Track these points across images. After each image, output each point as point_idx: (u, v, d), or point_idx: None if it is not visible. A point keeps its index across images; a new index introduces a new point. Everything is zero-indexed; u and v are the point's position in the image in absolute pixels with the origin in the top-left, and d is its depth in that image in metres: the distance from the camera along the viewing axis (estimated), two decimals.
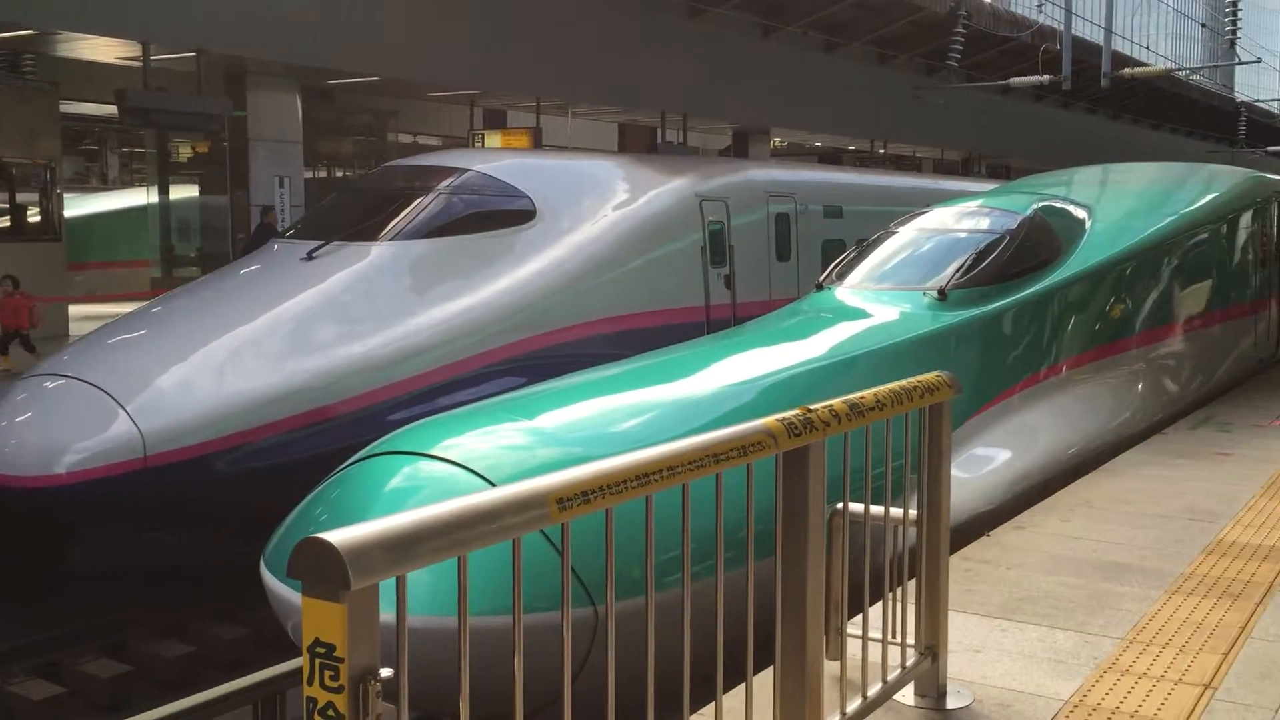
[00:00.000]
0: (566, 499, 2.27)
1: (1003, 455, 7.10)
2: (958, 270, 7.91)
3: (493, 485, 4.39)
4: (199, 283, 10.31)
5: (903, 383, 3.69)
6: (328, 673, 1.82)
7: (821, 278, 8.67)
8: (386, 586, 1.91)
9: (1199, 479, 7.23)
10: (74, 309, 14.16)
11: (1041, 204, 9.34)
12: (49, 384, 7.90)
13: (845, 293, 8.16)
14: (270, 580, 5.11)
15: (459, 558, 2.09)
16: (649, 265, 11.05)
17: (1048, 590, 5.10)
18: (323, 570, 1.81)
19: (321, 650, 1.83)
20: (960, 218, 9.06)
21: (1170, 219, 10.04)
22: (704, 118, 19.43)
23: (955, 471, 6.35)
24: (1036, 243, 8.56)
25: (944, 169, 27.83)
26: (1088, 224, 9.40)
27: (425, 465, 5.09)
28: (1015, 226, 8.55)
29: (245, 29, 12.49)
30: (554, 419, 5.65)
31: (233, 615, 8.31)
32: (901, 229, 9.04)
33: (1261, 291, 11.96)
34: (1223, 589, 5.12)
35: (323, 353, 8.30)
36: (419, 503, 4.29)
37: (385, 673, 1.86)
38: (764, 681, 3.31)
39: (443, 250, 9.55)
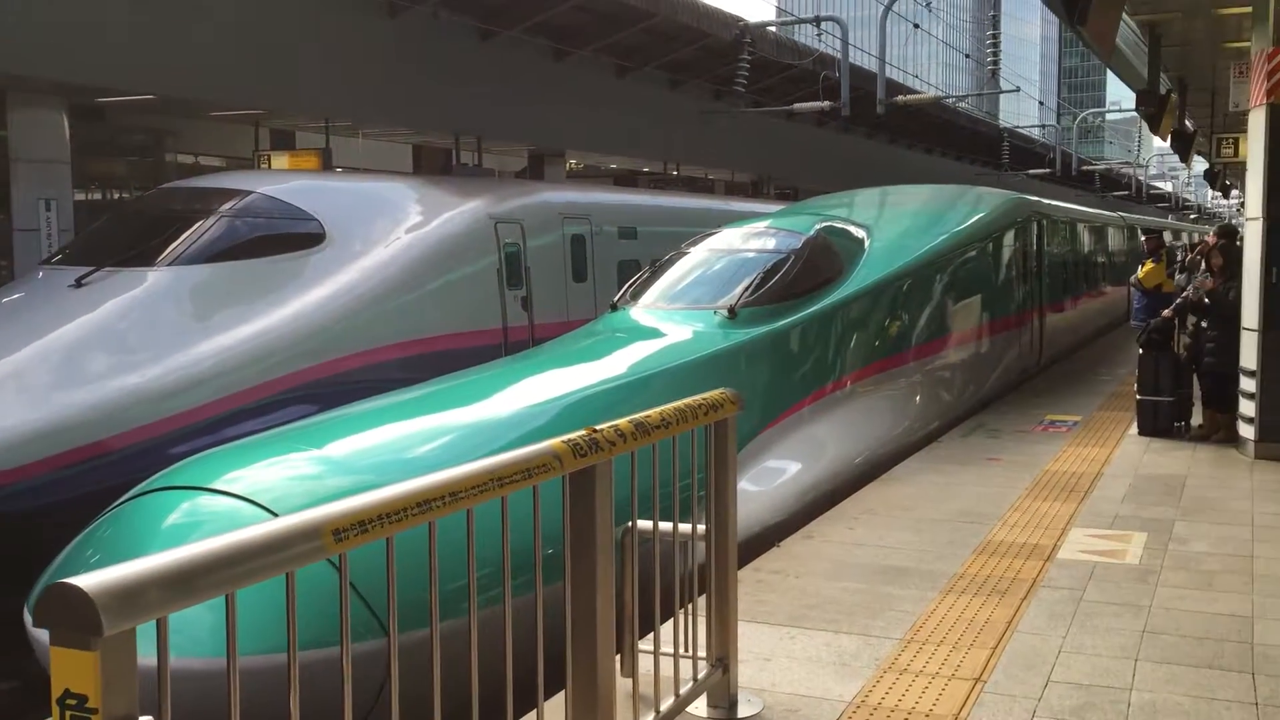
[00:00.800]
0: (343, 530, 2.22)
1: (793, 467, 7.34)
2: (746, 289, 8.17)
3: (268, 510, 4.29)
4: None
5: (688, 400, 3.77)
6: None
7: (616, 298, 8.78)
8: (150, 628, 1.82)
9: (971, 483, 7.67)
10: None
11: (824, 225, 9.73)
12: None
13: (639, 313, 8.31)
14: (33, 630, 4.75)
15: (226, 596, 2.01)
16: (444, 288, 10.93)
17: (833, 596, 5.30)
18: (72, 617, 1.71)
19: (73, 702, 1.72)
20: (748, 238, 9.35)
21: (942, 238, 10.62)
22: (499, 140, 19.40)
23: (747, 485, 6.55)
24: (820, 262, 8.91)
25: (735, 190, 28.67)
26: (867, 243, 9.84)
27: (205, 500, 4.84)
28: (799, 246, 8.88)
29: (3, 43, 11.72)
30: (343, 447, 5.49)
31: None
32: (692, 249, 9.26)
33: (1025, 305, 12.79)
34: (991, 587, 5.44)
35: (95, 384, 7.83)
36: (197, 540, 4.13)
37: None
38: (559, 703, 3.32)
39: (225, 275, 9.17)
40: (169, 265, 9.08)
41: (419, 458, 5.51)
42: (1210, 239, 10.56)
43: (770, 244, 9.06)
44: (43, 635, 4.60)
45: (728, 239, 9.40)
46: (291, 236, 9.94)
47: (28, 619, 4.85)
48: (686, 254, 9.20)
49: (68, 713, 1.72)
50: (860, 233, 10.07)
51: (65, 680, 1.72)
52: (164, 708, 1.87)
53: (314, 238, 10.02)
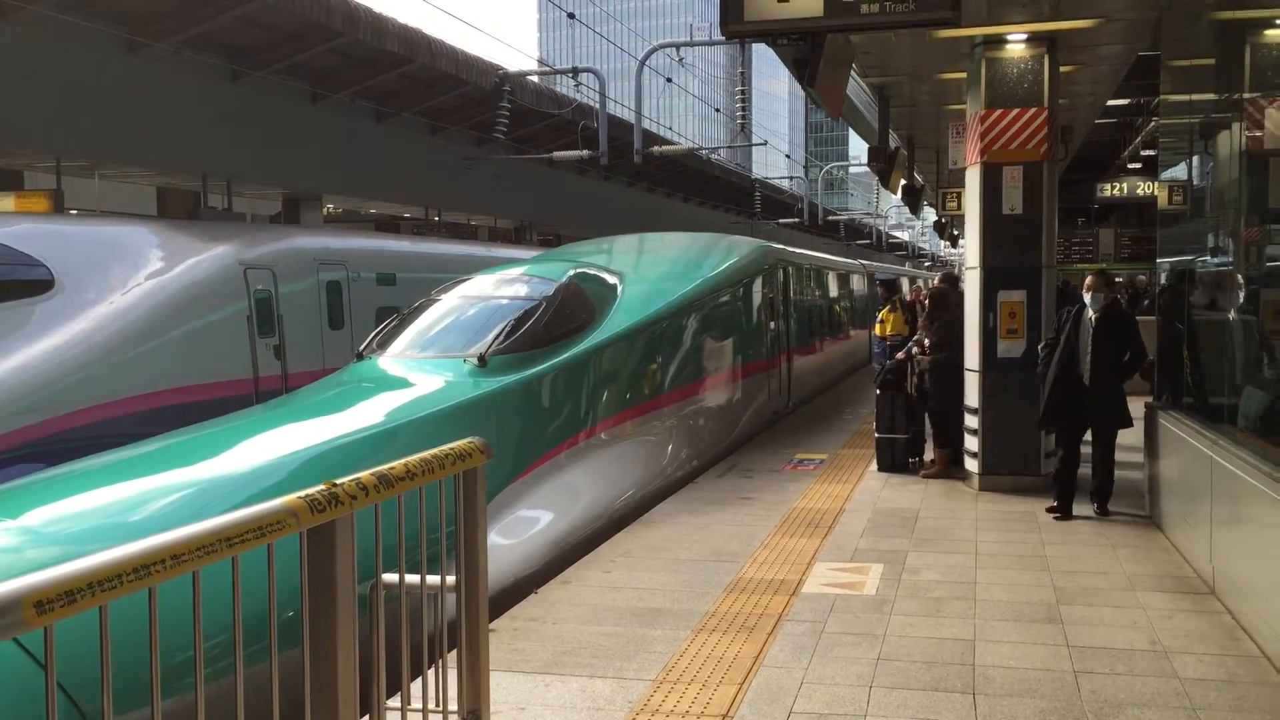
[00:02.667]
0: (47, 601, 2.08)
1: (545, 517, 7.30)
2: (497, 336, 8.09)
3: None
4: None
5: (434, 451, 3.75)
6: None
7: (361, 347, 8.55)
8: None
9: (725, 523, 7.92)
10: None
11: (577, 270, 9.80)
12: None
13: (386, 361, 8.10)
14: None
15: None
16: (188, 336, 10.45)
17: (588, 641, 5.34)
18: None
19: None
20: (500, 285, 9.28)
21: (693, 284, 10.91)
22: (251, 183, 18.74)
23: (497, 538, 6.49)
24: (572, 308, 8.95)
25: (499, 236, 28.73)
26: (620, 289, 9.99)
27: None
28: (552, 293, 8.89)
29: None
30: (44, 514, 5.02)
31: None
32: (443, 296, 9.13)
33: (774, 349, 13.34)
34: (741, 623, 5.62)
35: None
36: None
37: None
38: None
39: None
40: None
41: (135, 523, 5.06)
42: (935, 283, 11.39)
43: (523, 291, 9.03)
44: None
45: (480, 285, 9.31)
46: (15, 284, 9.29)
47: None
48: (437, 300, 9.05)
49: None
50: (614, 279, 10.19)
51: None
52: None
53: (41, 284, 9.40)
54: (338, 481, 3.16)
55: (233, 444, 6.31)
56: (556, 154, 23.63)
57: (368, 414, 7.07)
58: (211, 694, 2.69)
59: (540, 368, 8.04)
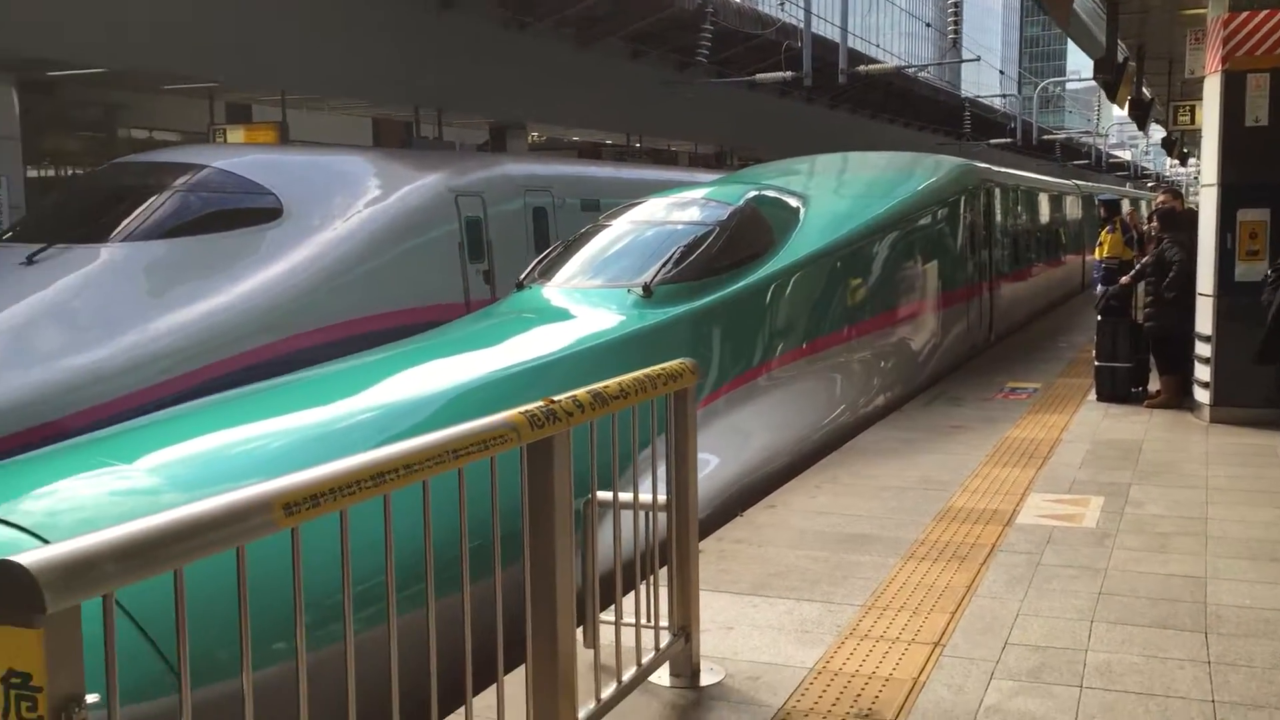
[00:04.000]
0: (295, 503, 2.19)
1: (711, 461, 6.63)
2: (664, 265, 7.48)
3: (45, 541, 3.64)
4: None
5: (646, 371, 3.77)
6: (24, 703, 1.69)
7: (522, 276, 8.06)
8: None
9: (933, 451, 7.72)
10: None
11: (755, 194, 9.08)
12: None
13: (548, 291, 7.62)
14: None
15: (175, 573, 1.98)
16: (404, 262, 10.85)
17: (795, 564, 5.33)
18: (14, 594, 1.68)
19: (16, 680, 1.69)
20: (671, 209, 8.63)
21: (884, 207, 10.02)
22: (459, 112, 19.23)
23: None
24: (748, 234, 8.28)
25: (699, 162, 28.62)
26: (803, 213, 9.23)
27: None
28: (726, 218, 8.22)
29: None
30: (161, 458, 4.68)
31: None
32: (612, 222, 8.57)
33: (974, 277, 12.29)
34: (952, 552, 5.49)
35: (47, 364, 7.72)
36: None
37: (91, 698, 1.75)
38: (519, 677, 3.31)
39: (180, 251, 9.05)
40: (122, 241, 8.95)
41: (281, 456, 4.72)
42: (1160, 198, 10.61)
43: (695, 215, 8.39)
44: None
45: (650, 211, 8.67)
46: (247, 211, 9.82)
47: None
48: (603, 227, 8.49)
49: (12, 692, 1.70)
50: (796, 202, 9.43)
51: (8, 660, 1.70)
52: (112, 685, 1.85)
53: (271, 212, 9.91)
54: (556, 399, 3.22)
55: (386, 376, 6.03)
56: (759, 76, 23.23)
57: (522, 348, 6.66)
58: (409, 623, 2.77)
59: (709, 299, 7.41)
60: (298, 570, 2.29)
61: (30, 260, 8.53)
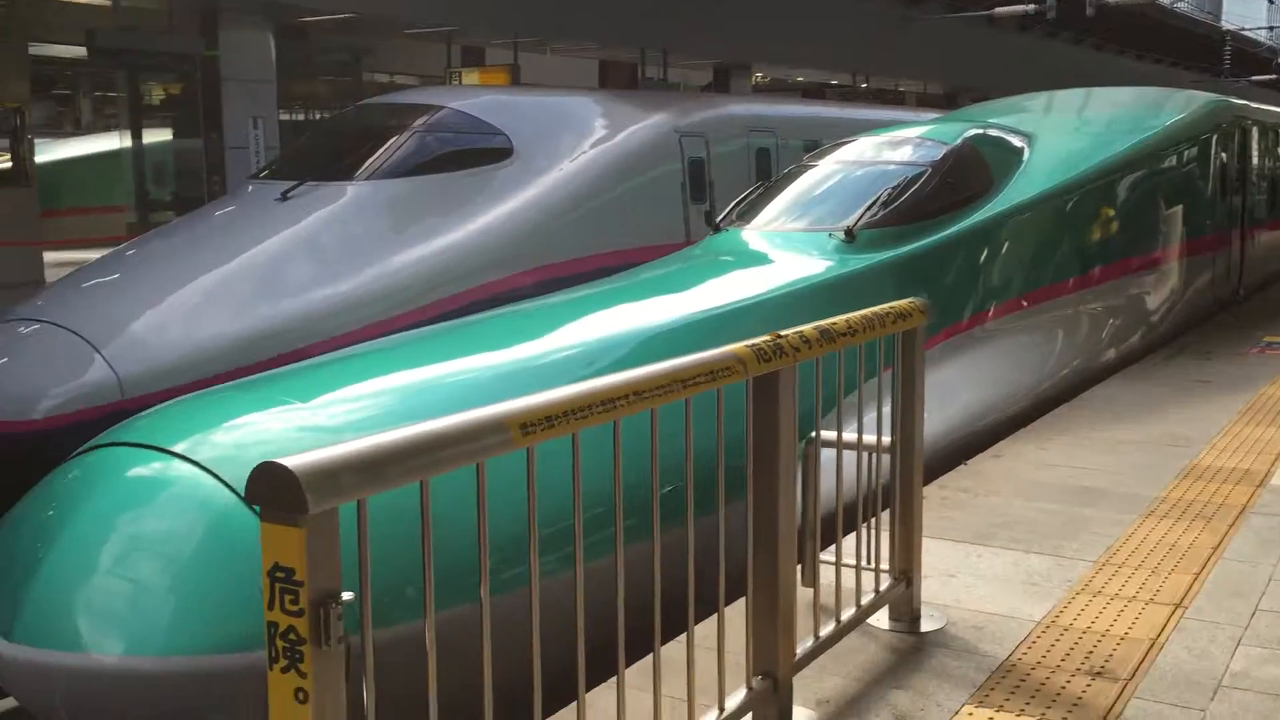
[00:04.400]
0: (531, 424, 2.26)
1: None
2: (869, 208, 7.02)
3: (230, 488, 3.75)
4: (173, 225, 10.20)
5: (873, 309, 3.69)
6: (287, 597, 1.82)
7: (719, 218, 7.75)
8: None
9: (1176, 406, 7.28)
10: (48, 255, 14.00)
11: (974, 133, 8.46)
12: (24, 329, 7.82)
13: (744, 234, 7.27)
14: None
15: (421, 483, 2.07)
16: (628, 202, 10.97)
17: (1023, 516, 5.14)
18: (280, 495, 1.80)
19: (281, 575, 1.82)
20: (881, 149, 8.12)
21: (1123, 146, 9.25)
22: (684, 54, 19.22)
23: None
24: (963, 176, 7.74)
25: (928, 103, 27.66)
26: (1027, 154, 8.56)
27: (153, 463, 4.03)
28: (939, 158, 7.68)
29: None
30: (340, 396, 4.61)
31: None
32: (817, 162, 8.13)
33: (1222, 226, 11.15)
34: (1196, 512, 5.17)
35: (298, 295, 8.22)
36: (139, 509, 3.87)
37: (347, 596, 1.86)
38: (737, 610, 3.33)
39: (418, 189, 9.44)
40: (367, 179, 9.40)
41: (450, 404, 4.79)
42: None
43: (906, 155, 7.84)
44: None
45: (858, 150, 8.17)
46: (481, 151, 10.13)
47: None
48: (808, 168, 8.04)
49: (276, 585, 1.83)
50: (1020, 142, 8.73)
51: (274, 554, 1.82)
52: (364, 583, 1.96)
53: (502, 152, 10.19)
54: (783, 333, 3.19)
55: (575, 318, 5.90)
56: (997, 10, 22.15)
57: (714, 292, 6.35)
58: (642, 550, 2.79)
59: (916, 245, 6.94)
60: (532, 490, 2.36)
61: (284, 197, 9.07)
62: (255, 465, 1.84)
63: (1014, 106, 10.99)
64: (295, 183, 9.19)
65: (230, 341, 7.78)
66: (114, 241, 12.28)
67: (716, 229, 7.59)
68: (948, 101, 27.03)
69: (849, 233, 6.78)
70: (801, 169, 8.09)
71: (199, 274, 8.34)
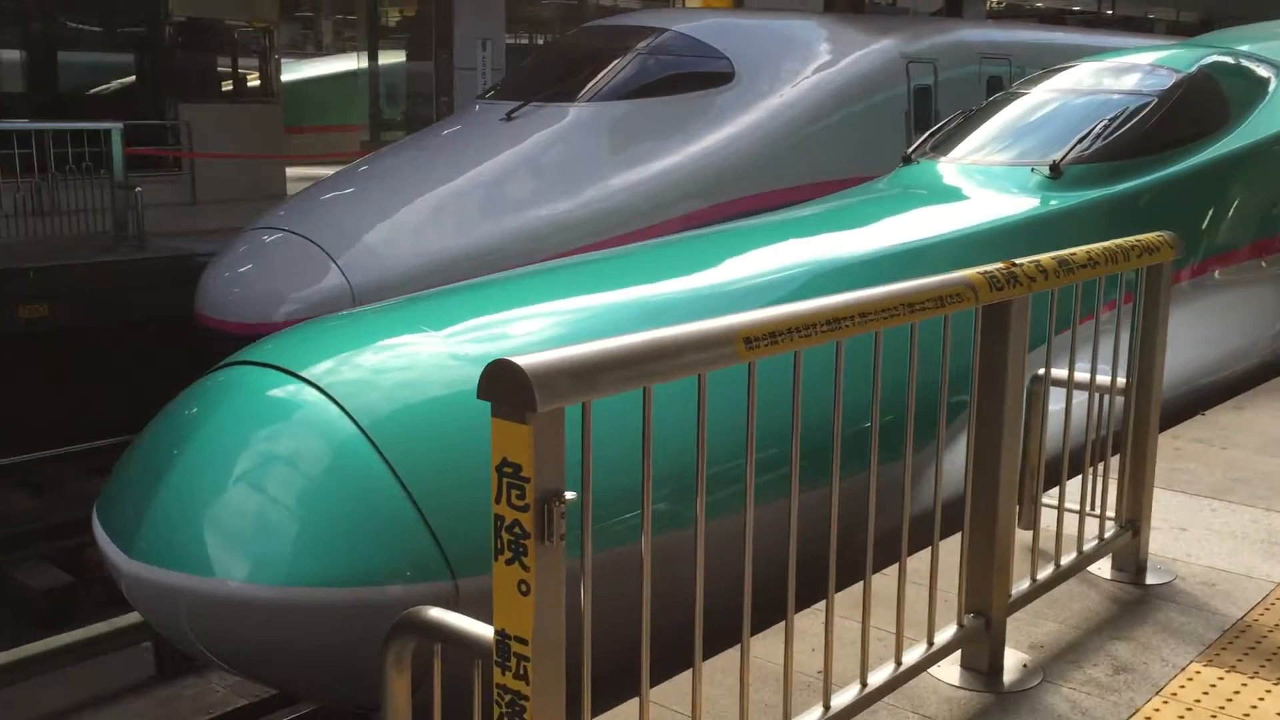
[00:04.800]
0: (754, 339, 2.23)
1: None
2: (1080, 141, 6.31)
3: (350, 416, 3.69)
4: (403, 143, 10.60)
5: (1116, 241, 3.47)
6: (514, 492, 1.86)
7: (911, 149, 7.15)
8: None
9: None
10: (290, 170, 14.82)
11: (1213, 60, 7.50)
12: (267, 237, 8.34)
13: (937, 167, 6.69)
14: (98, 527, 3.97)
15: (645, 390, 2.08)
16: (849, 130, 10.70)
17: (1266, 471, 4.80)
18: (511, 393, 1.84)
19: (509, 470, 1.87)
20: (1100, 77, 7.30)
21: None
22: None
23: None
24: (1193, 109, 6.94)
25: (1179, 32, 25.76)
26: (1272, 85, 7.55)
27: (277, 386, 3.94)
28: (1167, 89, 6.85)
29: None
30: (473, 324, 4.43)
31: None
32: (1027, 90, 7.38)
33: None
34: None
35: (518, 213, 8.43)
36: (254, 434, 3.82)
37: (569, 495, 1.89)
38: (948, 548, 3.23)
39: (640, 112, 9.48)
40: (589, 101, 9.50)
41: (634, 315, 4.50)
42: None
43: (1128, 84, 7.03)
44: (103, 535, 3.91)
45: (1074, 78, 7.33)
46: (702, 75, 10.07)
47: (95, 518, 4.06)
48: (1015, 96, 7.32)
49: (504, 479, 1.87)
50: (1267, 72, 7.70)
51: (503, 449, 1.87)
52: (586, 487, 1.99)
53: (724, 76, 10.09)
54: (1017, 261, 3.04)
55: (745, 249, 5.59)
56: None
57: (898, 228, 5.94)
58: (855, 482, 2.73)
59: (1130, 184, 6.25)
60: (751, 405, 2.34)
61: (508, 117, 9.28)
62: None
63: (1269, 33, 9.94)
64: (520, 103, 9.38)
65: (453, 256, 8.06)
66: (348, 158, 12.89)
67: (906, 160, 7.05)
68: (1203, 30, 25.12)
69: (1054, 168, 6.16)
70: (1009, 96, 7.42)
71: (427, 190, 8.67)
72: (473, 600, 3.23)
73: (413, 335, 4.25)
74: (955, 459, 3.14)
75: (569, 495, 1.88)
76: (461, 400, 3.42)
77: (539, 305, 4.73)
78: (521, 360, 1.84)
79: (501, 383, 1.85)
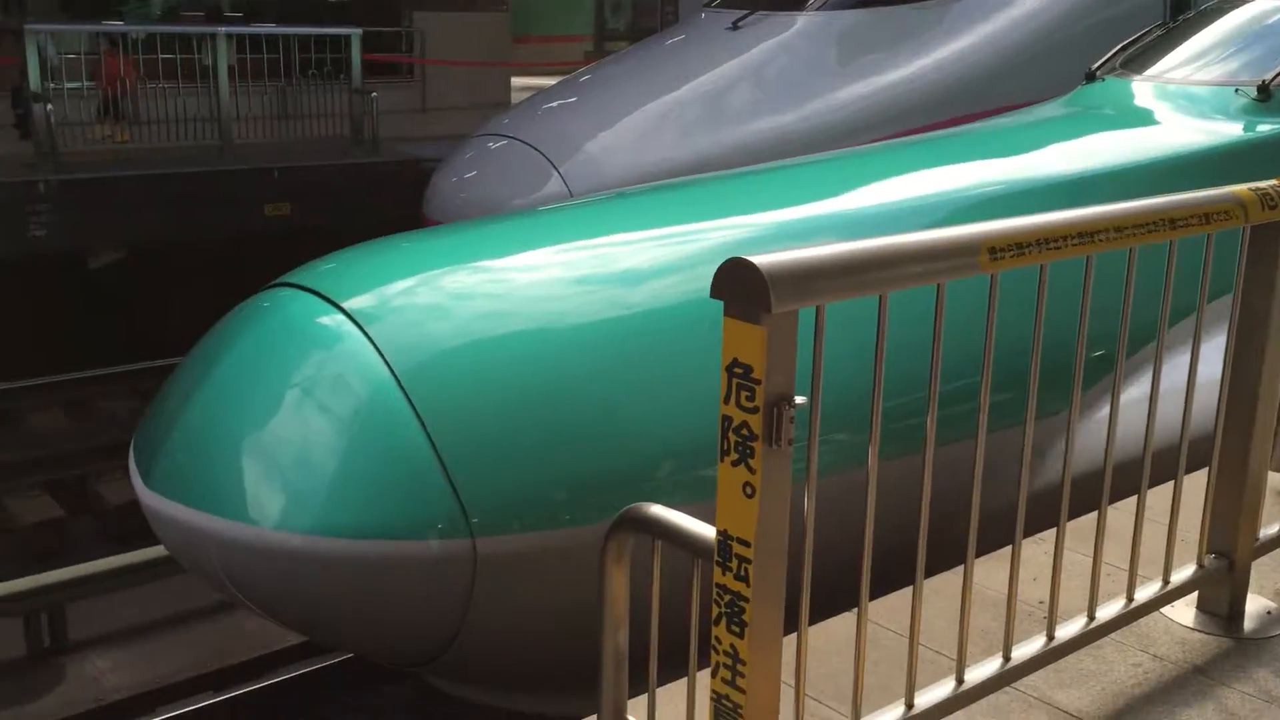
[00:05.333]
0: (999, 249, 2.11)
1: None
2: None
3: (383, 356, 3.42)
4: (626, 53, 10.59)
5: None
6: (744, 393, 1.83)
7: (1096, 65, 6.40)
8: None
9: None
10: (515, 79, 15.09)
11: None
12: (493, 144, 8.53)
13: (1126, 86, 6.02)
14: (133, 465, 3.77)
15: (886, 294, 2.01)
16: (1092, 44, 10.02)
17: None
18: (745, 292, 1.80)
19: (739, 371, 1.84)
20: None
21: None
22: None
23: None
24: None
25: None
26: None
27: (315, 315, 3.66)
28: None
29: None
30: (542, 258, 4.07)
31: None
32: (1235, 1, 6.46)
33: None
34: None
35: (738, 125, 8.32)
36: (287, 369, 3.54)
37: (800, 400, 1.85)
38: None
39: (868, 22, 9.15)
40: (818, 10, 9.23)
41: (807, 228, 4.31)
42: None
43: None
44: (136, 478, 3.72)
45: None
46: None
47: (131, 455, 3.84)
48: (1228, 6, 6.45)
49: (734, 380, 1.85)
50: None
51: (734, 350, 1.84)
52: (816, 391, 1.95)
53: None
54: None
55: (907, 170, 5.19)
56: None
57: (1075, 153, 5.39)
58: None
59: None
60: (991, 318, 2.23)
61: (734, 26, 9.12)
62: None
63: None
64: (746, 11, 9.19)
65: (673, 167, 8.04)
66: (571, 68, 13.01)
67: (1090, 77, 6.36)
68: None
69: (1263, 89, 5.42)
70: (1221, 7, 6.58)
71: (648, 100, 8.65)
72: (490, 562, 3.21)
73: (477, 264, 3.99)
74: (1199, 393, 2.92)
75: (799, 400, 1.84)
76: (505, 348, 3.49)
77: (605, 238, 4.32)
78: (757, 259, 1.79)
79: (736, 282, 1.81)
